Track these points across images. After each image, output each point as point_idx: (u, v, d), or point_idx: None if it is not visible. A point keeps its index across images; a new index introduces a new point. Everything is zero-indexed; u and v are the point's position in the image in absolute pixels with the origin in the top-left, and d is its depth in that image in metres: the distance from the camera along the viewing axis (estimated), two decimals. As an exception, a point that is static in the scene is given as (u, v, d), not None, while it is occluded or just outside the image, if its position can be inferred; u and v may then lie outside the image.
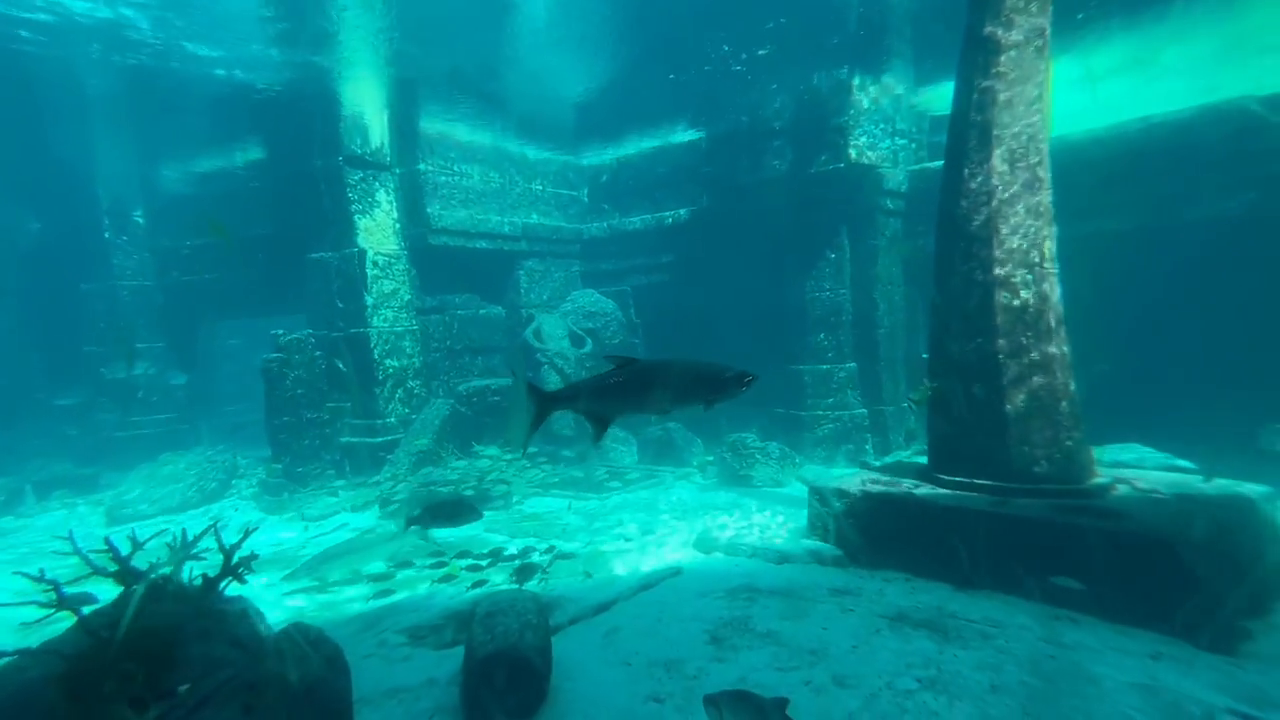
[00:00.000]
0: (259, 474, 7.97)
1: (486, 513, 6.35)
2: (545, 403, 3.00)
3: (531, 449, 8.17)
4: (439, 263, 8.83)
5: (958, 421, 4.68)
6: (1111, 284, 6.67)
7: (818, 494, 5.00)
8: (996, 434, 4.50)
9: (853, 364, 8.36)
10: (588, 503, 6.93)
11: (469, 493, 6.71)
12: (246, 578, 3.25)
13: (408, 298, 8.26)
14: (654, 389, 2.93)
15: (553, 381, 8.68)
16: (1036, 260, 4.54)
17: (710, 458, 8.19)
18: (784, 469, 7.54)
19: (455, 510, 4.22)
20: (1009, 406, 4.47)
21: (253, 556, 2.99)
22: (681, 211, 9.78)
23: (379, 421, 7.87)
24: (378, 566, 4.75)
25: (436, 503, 4.31)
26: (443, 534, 5.59)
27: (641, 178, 10.28)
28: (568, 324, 9.53)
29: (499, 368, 9.48)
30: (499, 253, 9.56)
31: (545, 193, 10.34)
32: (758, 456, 7.51)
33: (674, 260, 9.87)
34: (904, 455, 7.11)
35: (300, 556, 5.02)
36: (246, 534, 3.22)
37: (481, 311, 9.48)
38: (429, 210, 8.65)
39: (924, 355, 5.66)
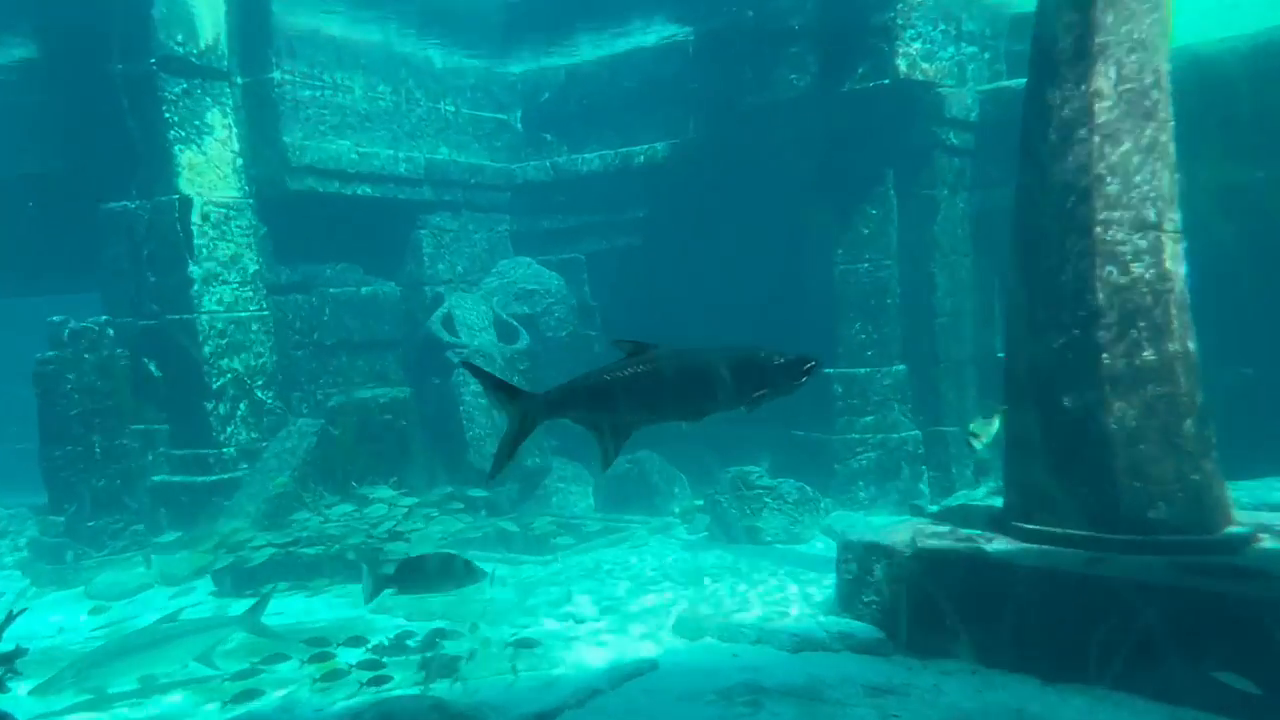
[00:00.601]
0: (29, 530, 7.83)
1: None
2: (530, 410, 2.98)
3: (445, 488, 8.14)
4: (303, 218, 8.67)
5: (1043, 448, 4.76)
6: (1261, 256, 6.83)
7: (851, 552, 5.06)
8: (1096, 465, 4.59)
9: (901, 366, 8.48)
10: (524, 567, 6.95)
11: (350, 555, 6.66)
12: (7, 683, 3.08)
13: (255, 268, 8.07)
14: (684, 384, 2.95)
15: (467, 396, 8.64)
16: (1153, 220, 4.67)
17: (699, 501, 8.26)
18: (803, 517, 7.67)
19: (442, 568, 4.23)
20: (1114, 426, 4.61)
21: (17, 653, 2.94)
22: (658, 146, 9.76)
23: (212, 452, 7.90)
24: (193, 669, 4.64)
25: (414, 558, 4.33)
26: (294, 619, 5.58)
27: (601, 96, 10.22)
28: (493, 308, 9.56)
29: (391, 371, 9.47)
30: (391, 203, 9.76)
31: (460, 116, 10.26)
32: (766, 500, 7.61)
33: (647, 217, 9.85)
34: (975, 496, 7.29)
35: (83, 652, 4.87)
36: (7, 619, 3.15)
37: (366, 290, 9.41)
38: (287, 140, 8.48)
39: (1001, 355, 5.77)
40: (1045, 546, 4.65)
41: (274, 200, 8.48)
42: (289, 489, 7.46)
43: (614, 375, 2.94)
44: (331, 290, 9.12)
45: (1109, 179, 4.70)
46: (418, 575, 4.21)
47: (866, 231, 8.34)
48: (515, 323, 9.52)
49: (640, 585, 6.40)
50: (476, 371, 3.14)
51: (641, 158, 9.81)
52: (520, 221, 10.60)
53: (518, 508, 8.52)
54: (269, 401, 8.13)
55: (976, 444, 5.49)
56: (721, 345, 3.06)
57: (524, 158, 10.69)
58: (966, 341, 8.81)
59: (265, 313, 8.20)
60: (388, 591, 4.40)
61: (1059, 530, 4.68)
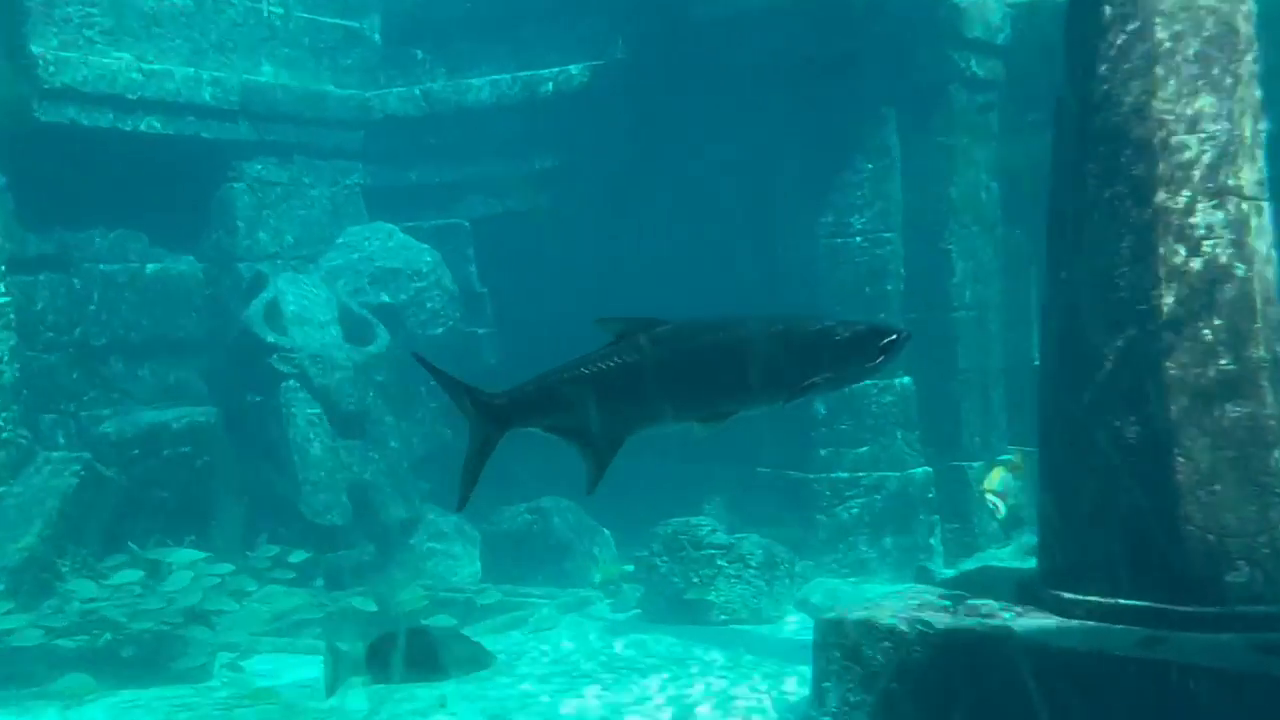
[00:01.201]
0: None
1: (168, 689, 6.23)
2: (498, 418, 3.04)
3: (269, 549, 8.02)
4: (61, 163, 8.44)
5: (1088, 493, 4.88)
6: None
7: (834, 634, 5.09)
8: (1157, 511, 4.71)
9: (906, 379, 8.62)
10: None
11: (127, 650, 6.45)
12: None
13: (-14, 235, 8.06)
14: (706, 371, 2.98)
15: (300, 420, 8.54)
16: (1231, 184, 4.82)
17: (628, 566, 8.29)
18: (772, 586, 7.73)
19: (433, 649, 4.35)
20: (1180, 459, 4.71)
21: None
22: (573, 71, 9.75)
23: (-84, 501, 7.61)
24: None
25: (394, 635, 4.46)
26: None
27: (492, -1, 10.51)
28: (339, 295, 9.49)
29: (191, 384, 9.31)
30: (191, 144, 9.54)
31: (291, 22, 10.17)
32: (721, 563, 7.65)
33: (558, 169, 9.80)
34: (1002, 556, 7.41)
35: None
36: None
37: (153, 268, 9.26)
38: (36, 50, 8.32)
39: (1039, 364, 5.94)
40: (1090, 623, 4.77)
41: (17, 137, 8.26)
42: (37, 553, 7.22)
43: (608, 364, 2.96)
44: (102, 268, 8.91)
45: (1175, 127, 4.86)
46: (401, 658, 4.27)
47: (860, 194, 8.44)
48: (371, 316, 9.45)
49: (546, 688, 6.36)
50: (427, 365, 3.17)
51: (551, 86, 9.81)
52: (379, 173, 10.50)
53: (374, 576, 8.44)
54: (4, 429, 7.89)
55: (996, 505, 5.63)
56: (755, 315, 3.11)
57: (384, 83, 10.60)
58: (994, 344, 8.97)
59: (4, 300, 8.00)
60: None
61: (1109, 601, 4.79)
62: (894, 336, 3.03)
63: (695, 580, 7.63)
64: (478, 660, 4.46)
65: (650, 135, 9.17)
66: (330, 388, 8.78)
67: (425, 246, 9.99)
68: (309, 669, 6.76)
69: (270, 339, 8.85)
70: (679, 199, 9.15)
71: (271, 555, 7.93)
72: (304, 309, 9.19)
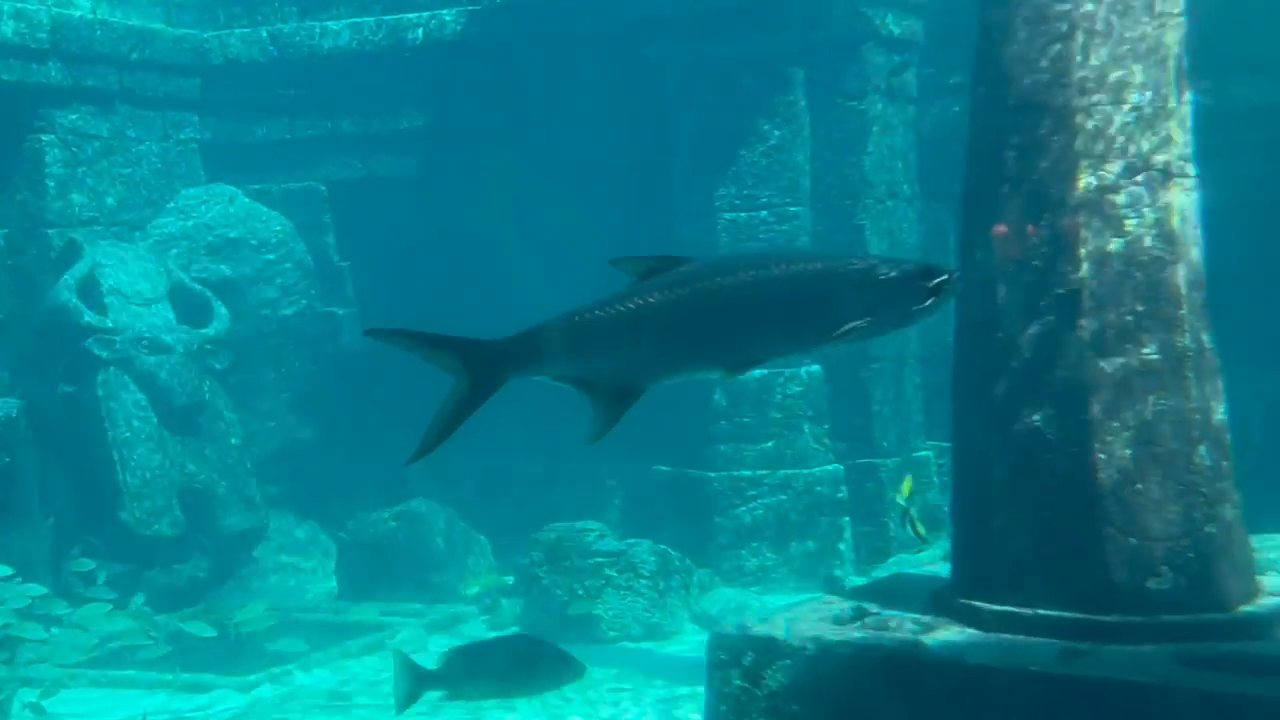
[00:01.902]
0: None
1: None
2: (492, 366, 3.01)
3: (84, 563, 7.83)
4: None
5: (1003, 492, 4.96)
6: None
7: (730, 651, 5.09)
8: (1076, 515, 4.79)
9: (814, 367, 8.85)
10: (215, 696, 6.77)
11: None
12: None
13: None
14: (737, 312, 3.01)
15: (120, 414, 8.38)
16: (1158, 159, 4.92)
17: (507, 578, 8.33)
18: (667, 598, 7.82)
19: (519, 661, 4.51)
20: (1100, 455, 4.81)
21: None
22: (445, 16, 9.76)
23: None
24: None
25: (474, 646, 4.73)
26: None
27: (354, -72, 10.34)
28: (170, 268, 9.39)
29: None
30: None
31: (113, -51, 10.08)
32: (610, 573, 7.73)
33: (428, 127, 9.85)
34: (920, 560, 7.45)
35: None
36: None
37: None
38: None
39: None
40: (1006, 636, 4.90)
41: None
42: None
43: (626, 305, 2.99)
44: None
45: (1097, 97, 4.98)
46: (480, 672, 4.45)
47: (765, 162, 8.56)
48: (208, 293, 9.32)
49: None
50: (385, 334, 3.06)
51: (421, 33, 9.78)
52: (219, 127, 10.37)
53: (211, 595, 8.33)
54: None
55: (913, 518, 5.76)
56: (789, 252, 3.03)
57: (225, 22, 10.45)
58: (910, 329, 9.20)
59: None
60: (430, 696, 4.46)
61: (1027, 611, 4.88)
62: (945, 277, 3.06)
63: (581, 592, 7.68)
64: (565, 672, 4.59)
65: (532, 93, 9.18)
66: (158, 376, 8.59)
67: (274, 213, 9.87)
68: (130, 706, 6.59)
69: (86, 319, 8.60)
70: (564, 166, 9.14)
71: (86, 572, 7.75)
72: (127, 284, 8.96)
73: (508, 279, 8.93)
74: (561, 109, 9.12)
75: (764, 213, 8.66)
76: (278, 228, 9.81)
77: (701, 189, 8.77)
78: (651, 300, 2.99)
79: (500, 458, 8.98)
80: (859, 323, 3.01)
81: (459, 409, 2.95)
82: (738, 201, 8.71)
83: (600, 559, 7.77)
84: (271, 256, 9.70)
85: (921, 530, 5.84)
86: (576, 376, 3.04)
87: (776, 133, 8.63)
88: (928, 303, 3.09)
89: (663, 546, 7.98)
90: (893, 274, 3.06)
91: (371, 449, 8.88)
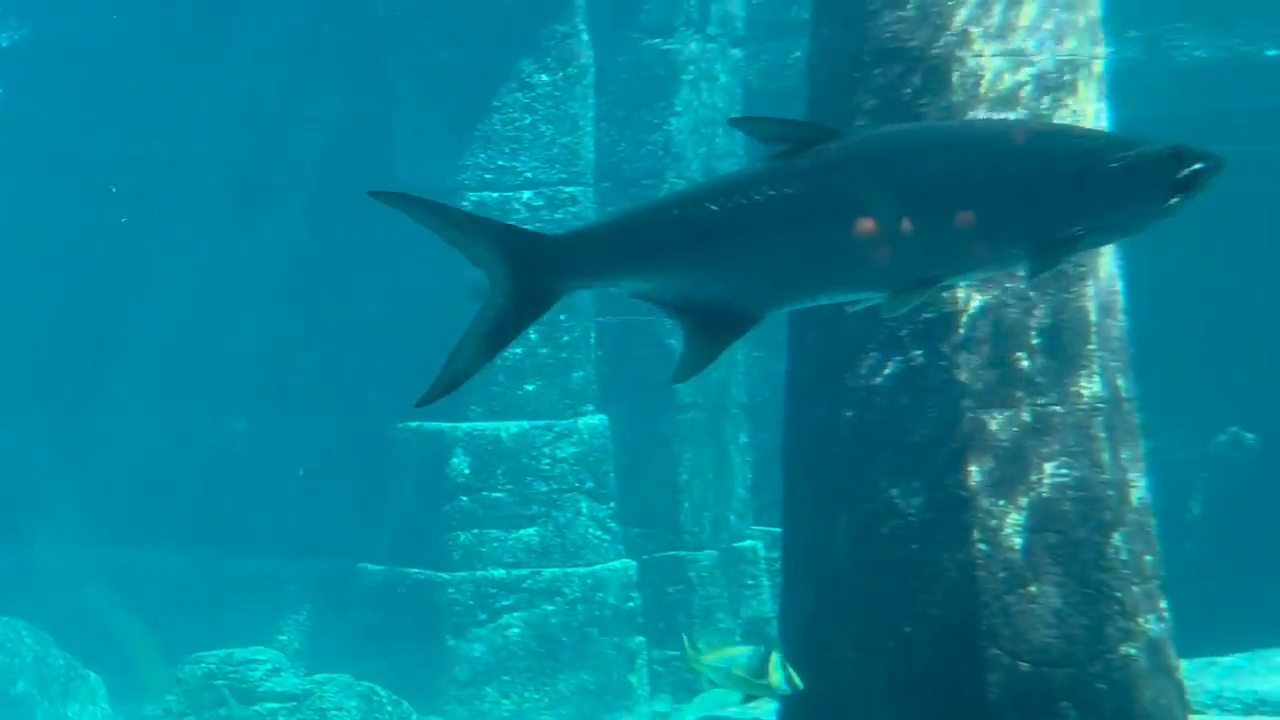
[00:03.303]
0: None
1: None
2: (545, 268, 3.02)
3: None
4: None
5: (850, 601, 4.89)
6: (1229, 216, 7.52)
7: None
8: (947, 628, 4.78)
9: (598, 418, 8.77)
10: None
11: None
12: None
13: None
14: (903, 214, 3.04)
15: None
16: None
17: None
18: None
19: None
20: (980, 544, 4.81)
21: None
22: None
23: None
24: None
25: None
26: None
27: None
28: None
29: None
30: None
31: None
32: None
33: (24, 45, 9.70)
34: (731, 702, 7.25)
35: None
36: None
37: None
38: None
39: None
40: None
41: None
42: None
43: (750, 196, 3.01)
44: None
45: (983, 46, 4.98)
46: None
47: (528, 120, 8.44)
48: None
49: None
50: (397, 198, 2.99)
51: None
52: None
53: None
54: None
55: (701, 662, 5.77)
56: (982, 126, 3.26)
57: None
58: (734, 369, 9.07)
59: None
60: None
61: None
62: (1199, 165, 3.03)
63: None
64: None
65: (176, 8, 9.03)
66: None
67: None
68: None
69: None
70: (227, 107, 9.03)
71: None
72: None
73: (140, 296, 8.83)
74: (221, 28, 9.04)
75: (527, 193, 8.51)
76: None
77: (434, 156, 8.56)
78: (787, 190, 3.00)
79: (132, 549, 8.79)
80: (1077, 228, 3.08)
81: (497, 328, 2.87)
82: (489, 175, 8.52)
83: (273, 704, 7.50)
84: None
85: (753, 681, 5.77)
86: (667, 293, 3.06)
87: (544, 77, 8.47)
88: (1174, 200, 3.07)
89: (368, 684, 7.70)
90: (1127, 160, 3.06)
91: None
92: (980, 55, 4.99)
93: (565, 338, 8.66)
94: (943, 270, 3.17)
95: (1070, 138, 3.31)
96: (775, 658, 5.25)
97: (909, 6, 4.97)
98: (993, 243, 3.13)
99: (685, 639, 5.68)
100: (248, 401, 9.47)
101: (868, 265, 3.10)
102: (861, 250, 3.06)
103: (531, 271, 2.98)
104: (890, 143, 3.30)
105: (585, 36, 8.57)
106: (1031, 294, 4.87)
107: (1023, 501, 4.81)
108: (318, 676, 7.80)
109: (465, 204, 8.47)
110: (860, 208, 3.02)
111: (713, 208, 3.04)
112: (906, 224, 3.04)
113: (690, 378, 3.09)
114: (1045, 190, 3.11)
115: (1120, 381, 4.97)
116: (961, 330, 4.80)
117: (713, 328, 3.06)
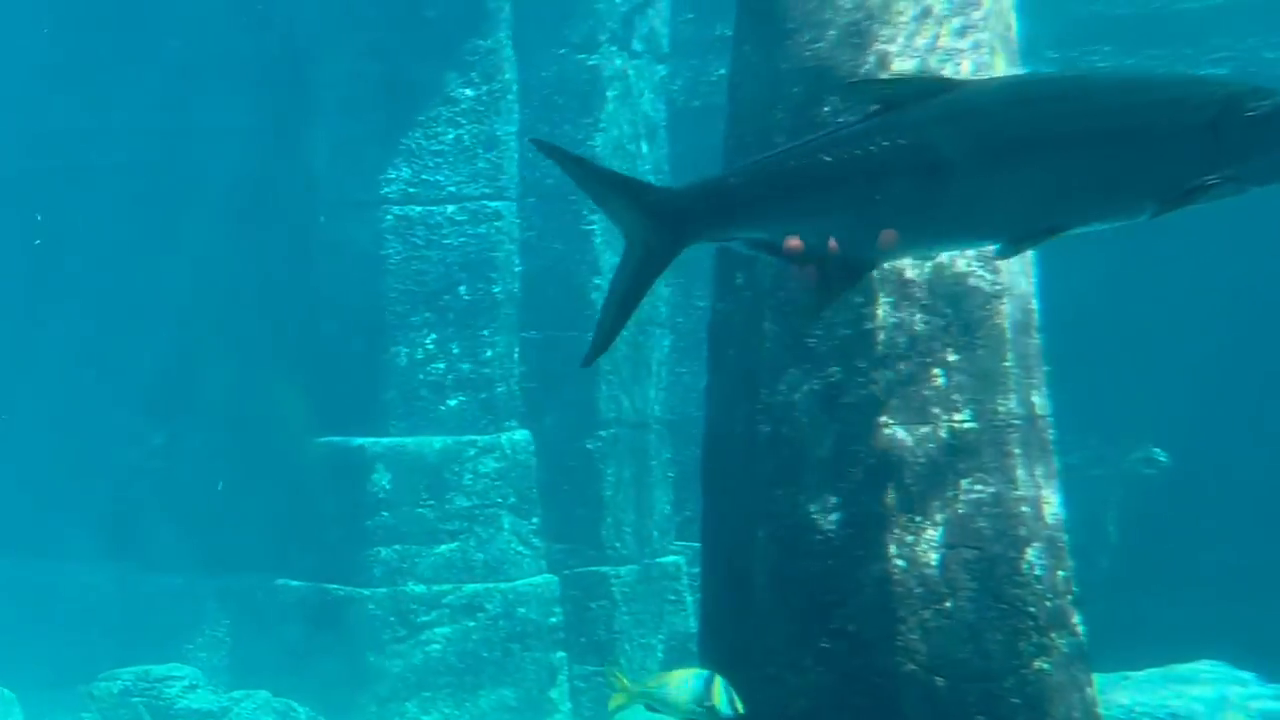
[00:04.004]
0: None
1: None
2: (673, 222, 3.18)
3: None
4: None
5: (766, 616, 4.97)
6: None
7: None
8: (863, 643, 4.81)
9: (521, 433, 8.85)
10: None
11: None
12: None
13: None
14: (1027, 162, 3.10)
15: None
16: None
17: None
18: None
19: None
20: (897, 559, 4.87)
21: None
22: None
23: None
24: None
25: None
26: None
27: None
28: None
29: None
30: None
31: None
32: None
33: None
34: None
35: None
36: None
37: None
38: None
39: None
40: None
41: None
42: None
43: (868, 146, 3.09)
44: None
45: (904, 64, 4.98)
46: None
47: (452, 135, 8.48)
48: None
49: None
50: (556, 151, 3.24)
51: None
52: None
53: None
54: None
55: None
56: (1106, 74, 3.13)
57: None
58: (657, 383, 9.20)
59: None
60: None
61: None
62: None
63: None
64: None
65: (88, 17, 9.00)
66: None
67: None
68: None
69: None
70: (140, 119, 9.05)
71: None
72: None
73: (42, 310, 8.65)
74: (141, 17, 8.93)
75: (450, 207, 8.51)
76: None
77: (357, 169, 8.58)
78: (903, 140, 3.08)
79: (46, 564, 8.78)
80: (1212, 178, 3.04)
81: (637, 279, 3.18)
82: (412, 189, 8.54)
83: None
84: None
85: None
86: (782, 246, 3.17)
87: (468, 92, 8.51)
88: None
89: (286, 701, 7.72)
90: (1265, 108, 3.06)
91: None
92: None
93: (488, 353, 8.67)
94: (1067, 220, 3.20)
95: (1205, 86, 3.28)
96: (720, 682, 5.30)
97: (829, 27, 5.01)
98: (1121, 193, 3.18)
99: (615, 671, 5.71)
100: (165, 415, 9.39)
101: (990, 214, 3.19)
102: (986, 199, 3.15)
103: (665, 225, 3.15)
104: (1016, 92, 3.33)
105: (509, 51, 8.67)
106: (948, 311, 4.94)
107: (939, 518, 4.85)
108: (235, 693, 7.80)
109: (388, 217, 8.63)
110: (974, 156, 3.10)
111: (833, 158, 3.13)
112: (1031, 174, 3.13)
113: (814, 322, 3.56)
114: (1178, 139, 3.11)
115: (1035, 399, 5.03)
116: (879, 347, 4.84)
117: (829, 276, 3.20)
